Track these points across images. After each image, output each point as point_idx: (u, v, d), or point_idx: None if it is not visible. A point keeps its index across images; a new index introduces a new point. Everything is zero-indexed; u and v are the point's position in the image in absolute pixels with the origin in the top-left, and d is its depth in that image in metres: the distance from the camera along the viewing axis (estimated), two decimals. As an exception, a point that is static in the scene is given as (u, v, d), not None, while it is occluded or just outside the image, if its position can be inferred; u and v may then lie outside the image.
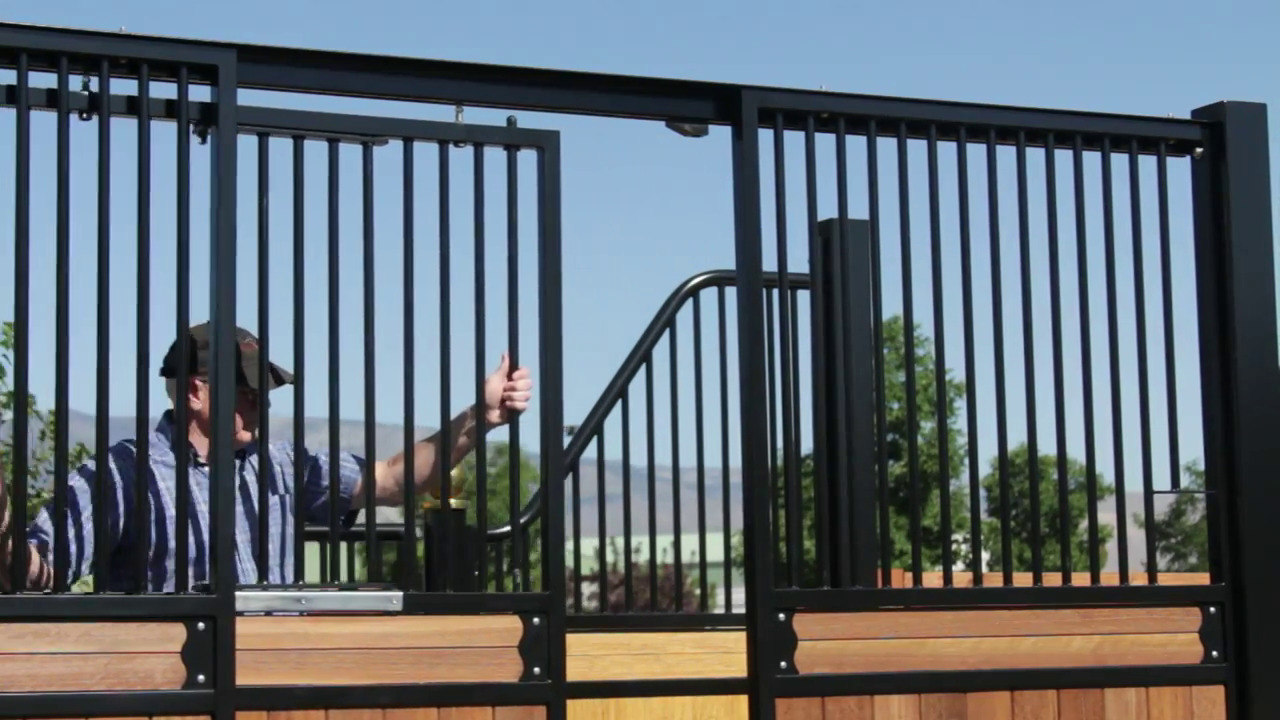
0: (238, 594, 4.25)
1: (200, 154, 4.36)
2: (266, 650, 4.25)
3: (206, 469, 4.89)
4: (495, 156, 4.61)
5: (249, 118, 4.41)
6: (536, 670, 4.46)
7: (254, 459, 5.01)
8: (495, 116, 4.67)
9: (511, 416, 4.84)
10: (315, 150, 4.47)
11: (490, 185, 4.58)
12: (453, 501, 5.92)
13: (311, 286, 4.39)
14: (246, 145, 4.40)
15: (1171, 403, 5.13)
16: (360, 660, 4.32)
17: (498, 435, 4.84)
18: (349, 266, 4.44)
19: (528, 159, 4.64)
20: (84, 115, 4.25)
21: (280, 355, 4.57)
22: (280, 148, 4.43)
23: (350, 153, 4.50)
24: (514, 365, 4.74)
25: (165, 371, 4.96)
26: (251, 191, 4.38)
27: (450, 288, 4.51)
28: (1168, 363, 5.15)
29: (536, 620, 4.48)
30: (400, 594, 4.40)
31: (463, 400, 4.64)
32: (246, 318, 4.37)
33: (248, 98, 4.43)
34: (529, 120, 4.69)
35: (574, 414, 4.70)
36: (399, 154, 4.54)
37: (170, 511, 4.76)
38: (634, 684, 4.81)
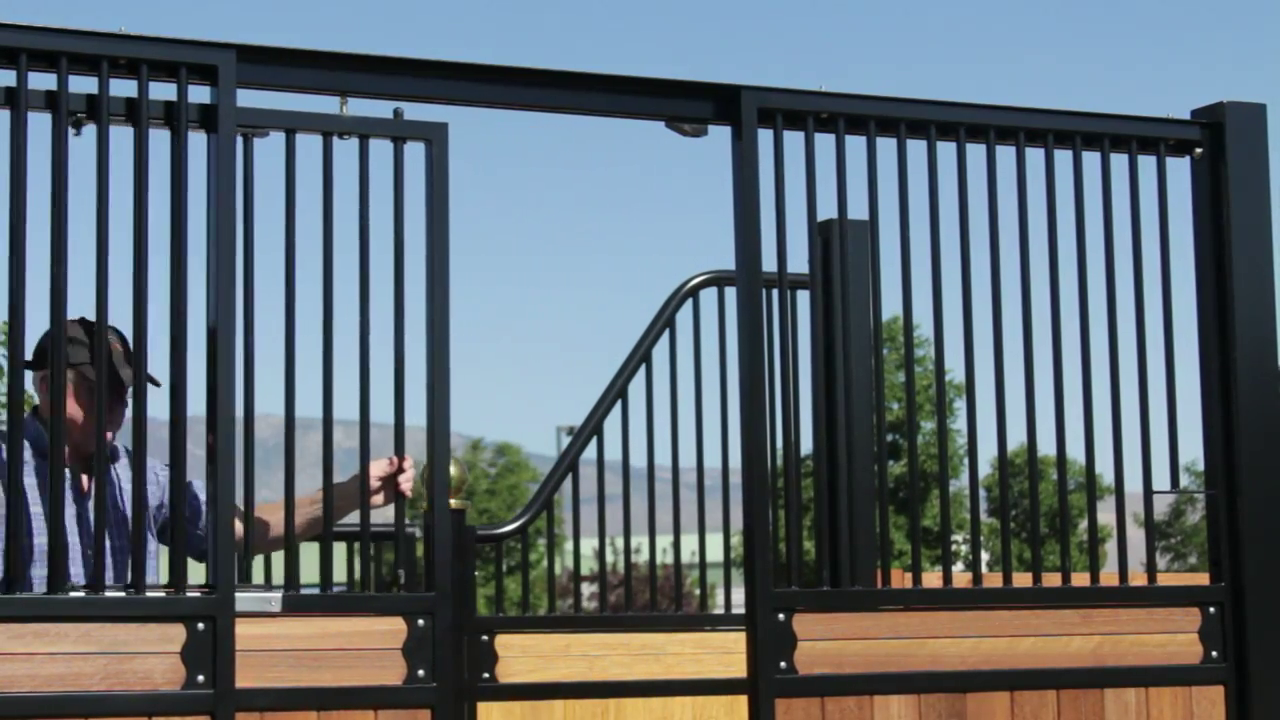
0: (110, 595, 4.19)
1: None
2: None
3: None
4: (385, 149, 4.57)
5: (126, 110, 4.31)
6: (420, 673, 4.38)
7: (119, 465, 4.87)
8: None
9: (397, 500, 4.73)
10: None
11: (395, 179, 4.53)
12: (452, 502, 5.92)
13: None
14: (121, 138, 4.33)
15: (1171, 403, 5.13)
16: (239, 663, 4.24)
17: (497, 435, 4.84)
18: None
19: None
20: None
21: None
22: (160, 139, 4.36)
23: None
24: (400, 455, 4.68)
25: (31, 364, 4.74)
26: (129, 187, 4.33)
27: (334, 283, 4.45)
28: (1167, 362, 5.15)
29: (421, 622, 4.40)
30: (279, 595, 4.34)
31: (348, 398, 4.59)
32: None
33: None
34: (428, 113, 4.65)
35: (574, 414, 4.70)
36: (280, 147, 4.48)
37: (32, 509, 4.62)
38: (634, 684, 4.82)
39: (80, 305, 4.26)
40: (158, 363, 4.31)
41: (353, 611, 4.44)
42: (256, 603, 4.32)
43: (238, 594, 4.30)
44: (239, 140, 4.40)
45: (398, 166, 4.55)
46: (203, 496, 4.77)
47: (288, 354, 4.43)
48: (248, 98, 4.46)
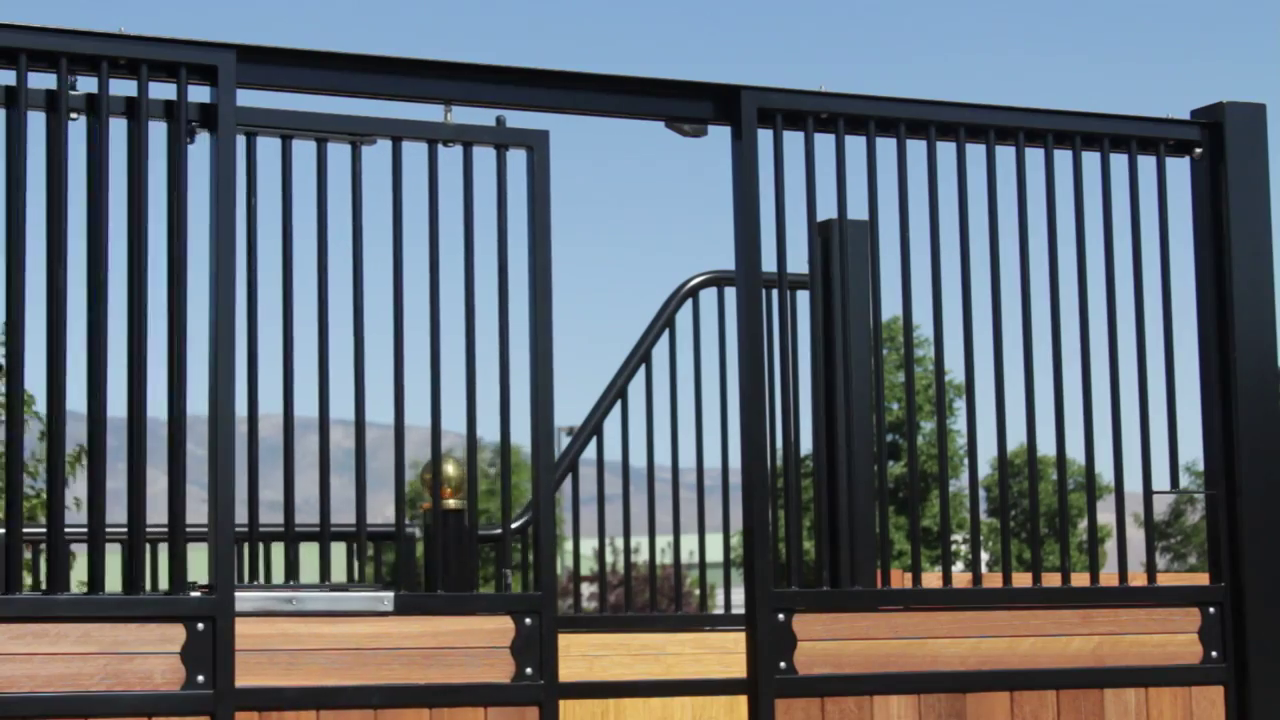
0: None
1: (198, 154, 4.38)
2: (259, 650, 4.26)
3: None
4: (484, 156, 4.64)
5: (238, 117, 4.41)
6: (529, 671, 4.47)
7: None
8: (493, 117, 4.69)
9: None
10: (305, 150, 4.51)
11: (477, 185, 4.62)
12: (451, 502, 5.92)
13: (302, 286, 4.42)
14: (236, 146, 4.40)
15: (1171, 403, 5.13)
16: (352, 661, 4.33)
17: (496, 435, 4.83)
18: (339, 265, 4.47)
19: (517, 159, 4.68)
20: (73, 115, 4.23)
21: (270, 351, 4.57)
22: (269, 148, 4.46)
23: (338, 152, 4.53)
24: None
25: None
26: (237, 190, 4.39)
27: (440, 286, 4.54)
28: (1167, 363, 5.15)
29: (528, 621, 4.49)
30: (391, 594, 4.41)
31: (456, 400, 4.64)
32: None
33: (239, 98, 4.44)
34: (527, 120, 4.71)
35: (574, 414, 4.71)
36: (387, 154, 4.56)
37: None
38: (634, 684, 4.82)
39: (80, 305, 4.26)
40: (158, 362, 4.33)
41: (461, 611, 4.50)
42: (369, 602, 4.39)
43: (352, 593, 4.38)
44: (350, 148, 4.50)
45: (500, 173, 4.64)
46: None
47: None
48: (359, 106, 4.55)
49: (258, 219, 4.46)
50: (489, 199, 4.62)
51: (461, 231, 4.58)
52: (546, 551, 4.58)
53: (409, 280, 4.53)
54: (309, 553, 4.92)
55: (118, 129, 4.30)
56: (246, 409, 4.40)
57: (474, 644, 4.45)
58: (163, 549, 6.48)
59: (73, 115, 4.26)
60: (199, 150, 4.39)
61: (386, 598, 4.40)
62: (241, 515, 4.58)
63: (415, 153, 4.58)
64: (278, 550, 6.54)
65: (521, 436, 4.73)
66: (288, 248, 4.45)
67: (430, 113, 4.64)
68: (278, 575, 6.65)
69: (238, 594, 4.29)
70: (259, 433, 4.45)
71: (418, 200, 4.58)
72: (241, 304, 4.38)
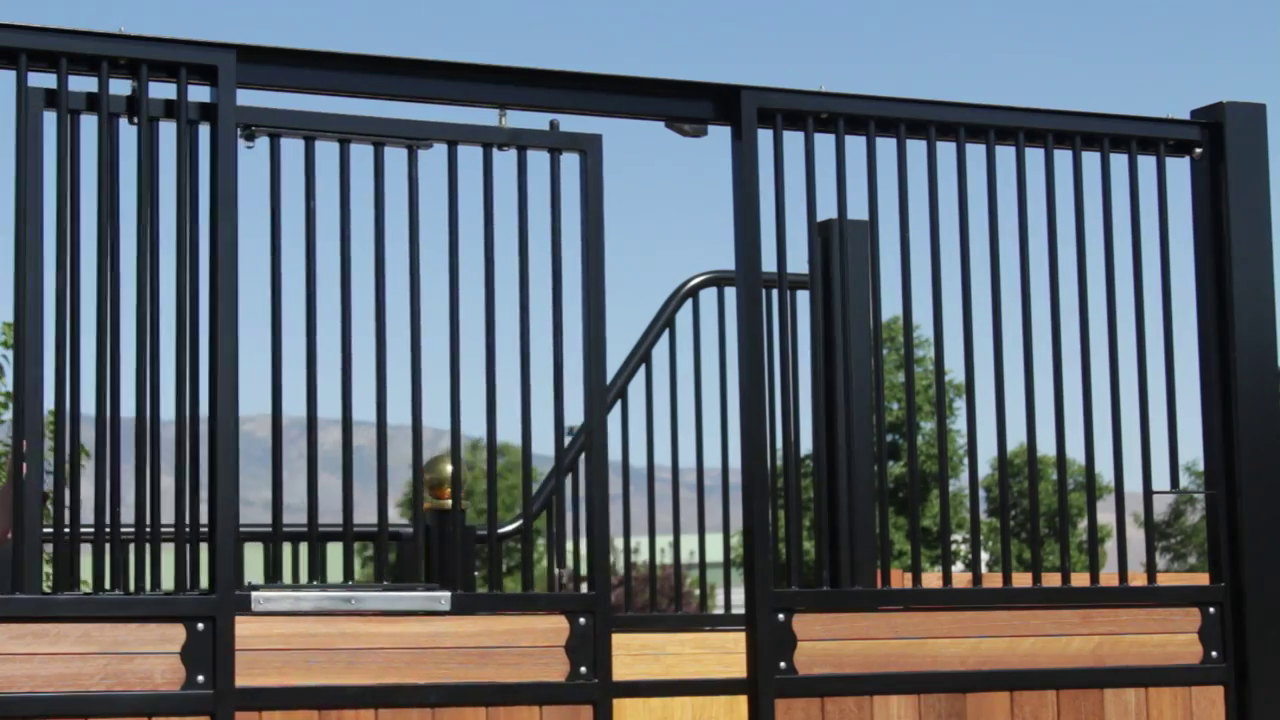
0: (288, 593, 4.29)
1: (254, 158, 4.43)
2: (318, 650, 4.29)
3: None
4: (518, 160, 4.67)
5: (293, 122, 4.45)
6: (583, 670, 4.51)
7: None
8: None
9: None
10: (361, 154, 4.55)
11: (504, 189, 4.65)
12: (450, 503, 5.92)
13: (358, 288, 4.47)
14: (293, 149, 4.47)
15: (1171, 403, 5.13)
16: (410, 660, 4.36)
17: (501, 436, 4.84)
18: (395, 268, 4.51)
19: (568, 162, 4.71)
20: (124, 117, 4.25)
21: (327, 356, 4.58)
22: (327, 151, 4.50)
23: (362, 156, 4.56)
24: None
25: None
26: (296, 196, 4.45)
27: (495, 288, 4.59)
28: (1167, 363, 5.15)
29: (582, 620, 4.53)
30: (448, 594, 4.44)
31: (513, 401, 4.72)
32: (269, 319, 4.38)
33: (286, 101, 4.51)
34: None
35: (574, 414, 4.71)
36: (420, 157, 4.59)
37: None
38: (634, 684, 4.82)
39: (84, 306, 4.27)
40: (164, 363, 4.33)
41: (516, 610, 4.55)
42: (426, 601, 4.42)
43: (409, 592, 4.41)
44: (406, 152, 4.54)
45: (555, 177, 4.68)
46: None
47: (309, 354, 4.45)
48: (377, 109, 4.60)
49: (316, 222, 4.47)
50: (532, 203, 4.65)
51: (505, 234, 4.62)
52: (600, 553, 4.61)
53: (429, 283, 4.55)
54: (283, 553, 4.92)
55: (126, 132, 4.31)
56: (305, 413, 4.44)
57: (529, 643, 4.48)
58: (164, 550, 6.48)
59: (134, 120, 4.28)
60: (257, 155, 4.42)
61: (444, 597, 4.44)
62: (300, 517, 4.62)
63: (436, 157, 4.60)
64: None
65: (518, 435, 4.73)
66: (346, 251, 4.47)
67: (428, 113, 4.66)
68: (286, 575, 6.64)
69: (298, 594, 4.32)
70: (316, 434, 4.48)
71: (464, 204, 4.59)
72: (301, 307, 4.44)
